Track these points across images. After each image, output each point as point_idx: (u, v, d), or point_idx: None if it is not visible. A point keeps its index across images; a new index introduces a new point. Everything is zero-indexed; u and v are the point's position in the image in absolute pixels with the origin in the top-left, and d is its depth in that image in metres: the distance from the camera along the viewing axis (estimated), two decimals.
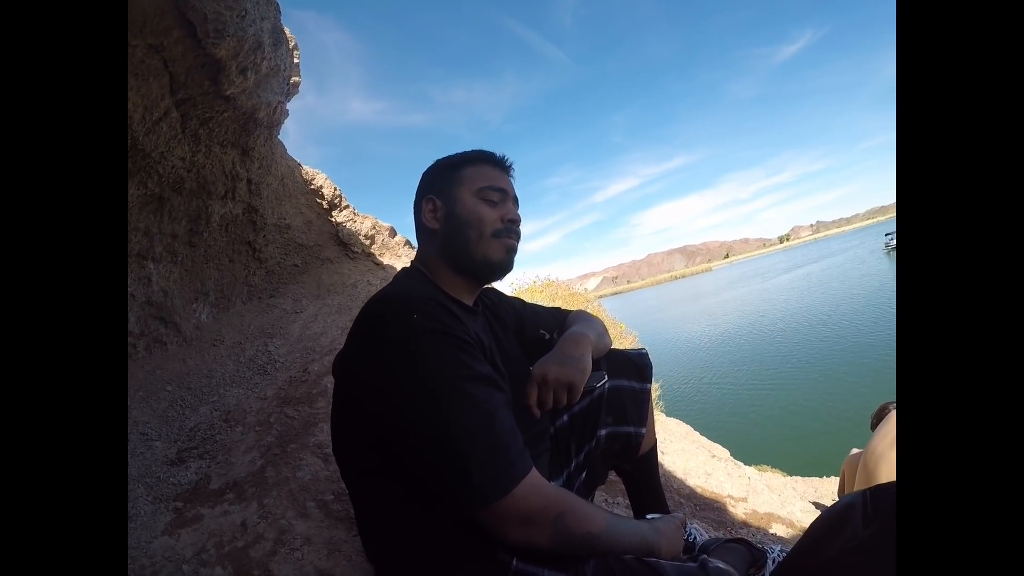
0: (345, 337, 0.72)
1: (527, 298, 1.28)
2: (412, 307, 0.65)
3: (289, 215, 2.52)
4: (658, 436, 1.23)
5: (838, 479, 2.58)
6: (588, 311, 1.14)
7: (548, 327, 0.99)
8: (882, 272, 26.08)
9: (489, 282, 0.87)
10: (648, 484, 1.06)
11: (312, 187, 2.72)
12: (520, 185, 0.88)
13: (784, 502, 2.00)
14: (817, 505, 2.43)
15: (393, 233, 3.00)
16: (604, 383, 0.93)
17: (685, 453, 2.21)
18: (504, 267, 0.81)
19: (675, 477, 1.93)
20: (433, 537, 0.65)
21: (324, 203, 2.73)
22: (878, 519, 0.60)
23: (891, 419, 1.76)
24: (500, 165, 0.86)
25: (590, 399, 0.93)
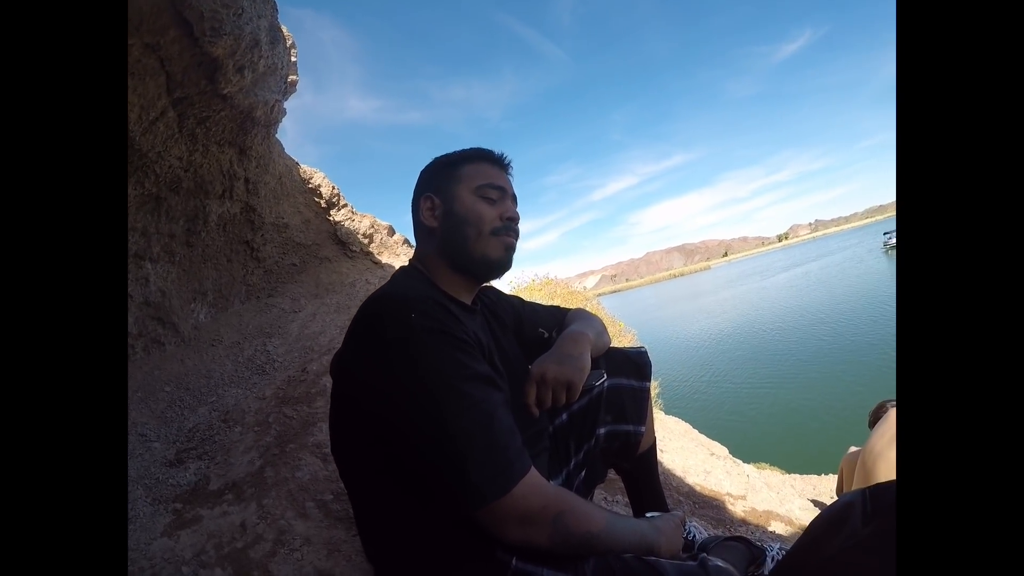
0: (343, 336, 0.71)
1: (526, 296, 1.28)
2: (410, 306, 0.65)
3: (287, 214, 2.51)
4: (657, 434, 1.23)
5: (836, 477, 2.59)
6: (587, 309, 1.14)
7: (547, 326, 0.99)
8: (880, 271, 26.14)
9: (487, 280, 0.87)
10: (647, 482, 1.06)
11: (310, 186, 2.71)
12: (518, 183, 0.88)
13: (783, 500, 2.01)
14: (815, 503, 2.44)
15: (391, 232, 3.00)
16: (603, 382, 0.93)
17: (684, 451, 2.22)
18: (503, 265, 0.81)
19: (674, 475, 1.93)
20: (432, 537, 0.65)
21: (322, 202, 2.73)
22: (877, 518, 0.60)
23: (889, 417, 1.77)
24: (499, 163, 0.86)
25: (589, 398, 0.92)
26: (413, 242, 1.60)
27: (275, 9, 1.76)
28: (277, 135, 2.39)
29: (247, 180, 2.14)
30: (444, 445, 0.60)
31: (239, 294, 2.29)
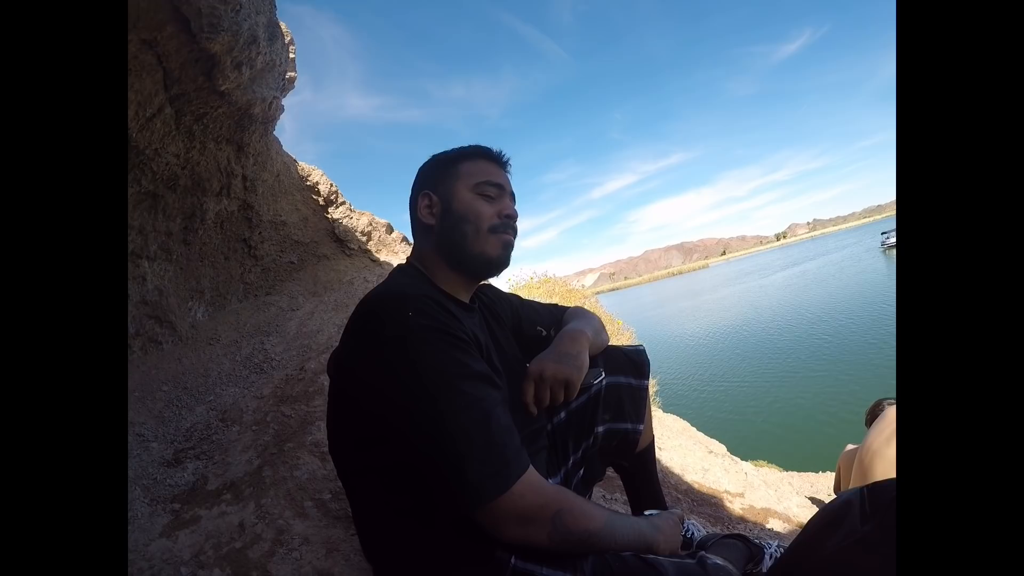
0: (341, 334, 0.71)
1: (524, 294, 1.27)
2: (408, 304, 0.65)
3: (285, 212, 2.50)
4: (656, 432, 1.23)
5: (834, 474, 2.60)
6: (585, 307, 1.13)
7: (545, 324, 0.99)
8: (879, 270, 26.20)
9: (485, 278, 0.86)
10: (646, 480, 1.06)
11: (308, 183, 2.70)
12: (517, 181, 0.87)
13: (781, 497, 2.01)
14: (813, 500, 2.45)
15: (390, 229, 2.99)
16: (601, 380, 0.93)
17: (682, 449, 2.22)
18: (501, 263, 0.81)
19: (673, 473, 1.93)
20: (431, 536, 0.65)
21: (320, 199, 2.72)
22: (876, 516, 0.60)
23: (886, 415, 1.77)
24: (497, 160, 0.85)
25: (587, 396, 0.92)
26: (411, 240, 1.59)
27: (273, 5, 1.75)
28: (275, 132, 2.38)
29: (245, 177, 2.13)
30: (442, 444, 0.60)
31: (237, 292, 2.28)
